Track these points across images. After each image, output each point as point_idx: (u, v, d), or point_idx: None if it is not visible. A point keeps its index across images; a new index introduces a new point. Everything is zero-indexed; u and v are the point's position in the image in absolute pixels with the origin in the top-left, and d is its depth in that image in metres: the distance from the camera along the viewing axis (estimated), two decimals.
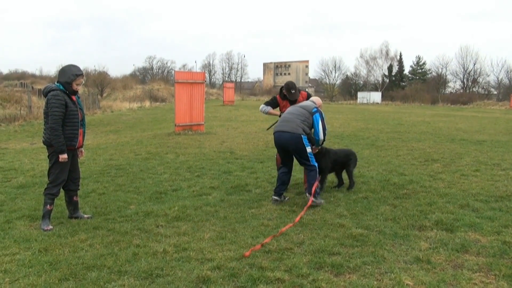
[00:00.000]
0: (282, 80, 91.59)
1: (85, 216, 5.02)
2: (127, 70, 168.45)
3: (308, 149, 5.44)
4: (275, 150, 6.50)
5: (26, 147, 11.64)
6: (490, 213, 5.00)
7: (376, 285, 3.27)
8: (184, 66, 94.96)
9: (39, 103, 24.27)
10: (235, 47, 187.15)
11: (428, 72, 75.40)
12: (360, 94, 66.39)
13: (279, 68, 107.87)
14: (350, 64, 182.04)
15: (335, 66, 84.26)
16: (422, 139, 12.77)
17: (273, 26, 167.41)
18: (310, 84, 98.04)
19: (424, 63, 76.23)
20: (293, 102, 6.16)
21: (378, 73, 76.23)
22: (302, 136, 5.39)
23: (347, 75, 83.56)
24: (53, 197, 4.73)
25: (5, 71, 78.52)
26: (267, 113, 6.30)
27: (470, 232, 4.40)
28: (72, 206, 5.00)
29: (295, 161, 5.74)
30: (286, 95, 6.14)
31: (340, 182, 6.45)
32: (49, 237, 4.35)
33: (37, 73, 79.00)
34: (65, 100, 4.61)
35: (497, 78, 67.52)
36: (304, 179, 6.24)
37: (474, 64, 66.97)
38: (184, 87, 14.77)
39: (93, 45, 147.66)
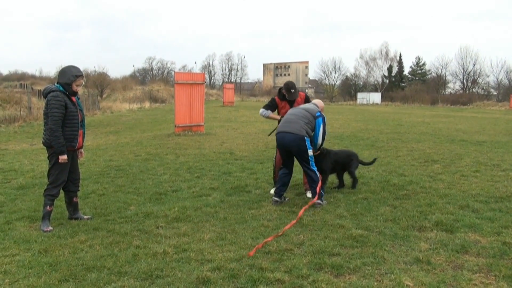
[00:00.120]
0: (281, 81, 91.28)
1: (85, 217, 5.02)
2: (127, 71, 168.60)
3: (310, 152, 5.46)
4: (275, 151, 6.50)
5: (26, 148, 11.64)
6: (490, 214, 5.00)
7: (376, 286, 3.27)
8: (184, 67, 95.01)
9: (39, 104, 24.25)
10: (235, 48, 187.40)
11: (427, 73, 75.44)
12: (360, 95, 66.52)
13: (278, 68, 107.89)
14: (350, 65, 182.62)
15: (335, 67, 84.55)
16: (422, 140, 12.78)
17: (273, 26, 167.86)
18: (310, 85, 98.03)
19: (423, 64, 76.30)
20: (292, 102, 6.17)
21: (378, 74, 76.44)
22: (305, 138, 5.41)
23: (346, 75, 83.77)
24: (53, 198, 4.73)
25: (5, 72, 78.59)
26: (268, 117, 6.30)
27: (470, 233, 4.40)
28: (72, 207, 5.00)
29: (295, 161, 5.74)
30: (286, 94, 6.15)
31: (341, 184, 6.44)
32: (49, 238, 4.35)
33: (37, 74, 78.93)
34: (65, 101, 4.61)
35: (497, 79, 67.68)
36: (303, 180, 6.25)
37: (474, 65, 67.13)
38: (184, 88, 14.78)
39: (93, 46, 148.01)
